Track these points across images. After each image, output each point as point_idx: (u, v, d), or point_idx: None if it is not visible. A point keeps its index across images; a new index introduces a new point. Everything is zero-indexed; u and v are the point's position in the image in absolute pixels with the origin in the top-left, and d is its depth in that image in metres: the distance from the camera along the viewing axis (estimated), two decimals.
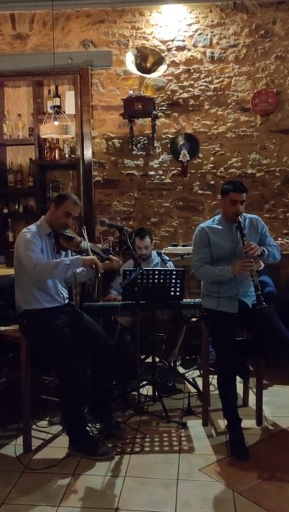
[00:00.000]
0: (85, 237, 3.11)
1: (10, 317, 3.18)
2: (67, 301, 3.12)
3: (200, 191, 4.86)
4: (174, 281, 3.48)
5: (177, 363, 4.16)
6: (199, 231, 3.19)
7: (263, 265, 3.25)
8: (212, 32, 4.71)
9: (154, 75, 4.60)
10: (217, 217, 3.24)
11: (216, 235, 3.13)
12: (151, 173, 4.90)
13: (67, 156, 4.90)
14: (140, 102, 4.52)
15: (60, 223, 3.00)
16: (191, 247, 3.28)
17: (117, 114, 4.80)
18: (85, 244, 3.08)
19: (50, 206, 3.07)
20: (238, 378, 3.05)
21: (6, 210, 4.99)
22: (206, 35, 4.72)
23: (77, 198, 3.13)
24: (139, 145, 4.89)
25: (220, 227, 3.16)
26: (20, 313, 2.98)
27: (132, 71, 4.57)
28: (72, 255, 3.17)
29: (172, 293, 3.52)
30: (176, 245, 4.75)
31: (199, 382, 3.57)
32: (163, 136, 4.85)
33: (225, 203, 3.12)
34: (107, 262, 3.17)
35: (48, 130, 4.26)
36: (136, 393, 3.36)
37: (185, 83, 4.79)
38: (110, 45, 4.82)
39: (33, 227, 3.01)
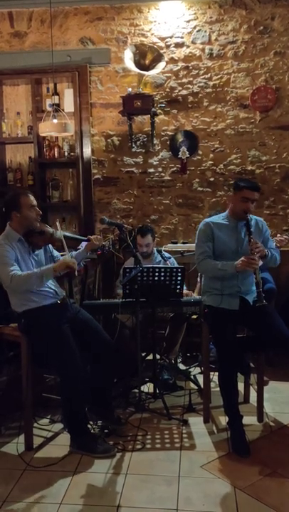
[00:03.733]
0: (58, 227, 3.12)
1: (10, 316, 3.18)
2: (62, 295, 3.10)
3: (200, 188, 4.86)
4: (174, 278, 3.48)
5: (178, 360, 4.16)
6: (204, 225, 3.18)
7: (261, 262, 3.25)
8: (211, 28, 4.70)
9: (152, 72, 4.59)
10: (224, 213, 3.23)
11: (221, 231, 3.12)
12: (151, 170, 4.89)
13: (66, 154, 4.89)
14: (139, 100, 4.51)
15: (32, 219, 3.01)
16: (191, 244, 3.27)
17: (116, 112, 4.79)
18: (58, 233, 3.09)
19: (12, 215, 3.01)
20: (238, 375, 3.05)
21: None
22: (205, 31, 4.71)
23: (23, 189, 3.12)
24: (138, 142, 4.88)
25: (226, 222, 3.16)
26: (19, 313, 2.99)
27: (131, 68, 4.55)
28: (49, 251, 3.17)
29: (172, 290, 3.52)
30: (176, 243, 4.75)
31: (200, 379, 3.58)
32: (162, 134, 4.84)
33: (236, 199, 3.10)
34: (87, 243, 3.22)
35: (47, 128, 4.25)
36: (137, 390, 3.36)
37: (184, 80, 4.77)
38: (109, 43, 4.81)
39: (0, 239, 2.98)
